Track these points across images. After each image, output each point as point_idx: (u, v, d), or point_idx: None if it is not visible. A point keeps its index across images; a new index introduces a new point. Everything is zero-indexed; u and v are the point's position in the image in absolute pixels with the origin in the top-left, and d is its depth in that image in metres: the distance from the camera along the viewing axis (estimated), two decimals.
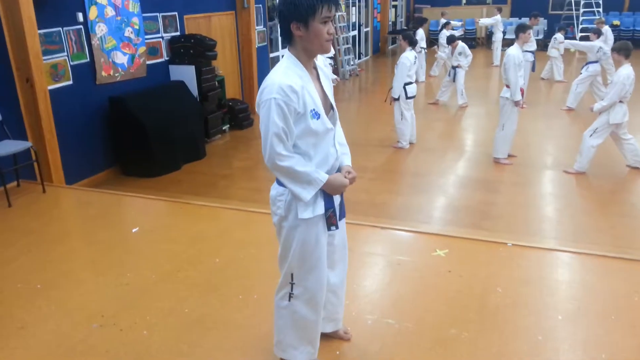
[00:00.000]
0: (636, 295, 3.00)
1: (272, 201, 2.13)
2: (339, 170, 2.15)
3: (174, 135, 6.19)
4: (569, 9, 17.22)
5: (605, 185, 5.56)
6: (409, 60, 6.64)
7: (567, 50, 11.88)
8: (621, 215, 4.78)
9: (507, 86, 5.94)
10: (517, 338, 2.66)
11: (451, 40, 9.47)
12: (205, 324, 2.82)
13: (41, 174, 4.92)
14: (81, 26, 5.57)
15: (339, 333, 2.63)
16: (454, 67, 9.28)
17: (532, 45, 9.57)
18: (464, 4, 19.89)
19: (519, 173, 5.91)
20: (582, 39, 13.99)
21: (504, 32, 14.71)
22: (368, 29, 16.49)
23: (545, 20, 17.37)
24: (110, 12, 5.94)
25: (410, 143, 7.05)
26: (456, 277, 3.23)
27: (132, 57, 6.34)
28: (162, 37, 6.93)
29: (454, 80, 9.31)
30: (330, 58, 10.16)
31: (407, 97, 6.75)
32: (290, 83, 1.90)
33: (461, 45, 9.20)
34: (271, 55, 9.93)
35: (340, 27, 12.81)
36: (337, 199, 2.17)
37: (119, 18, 6.08)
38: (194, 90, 7.01)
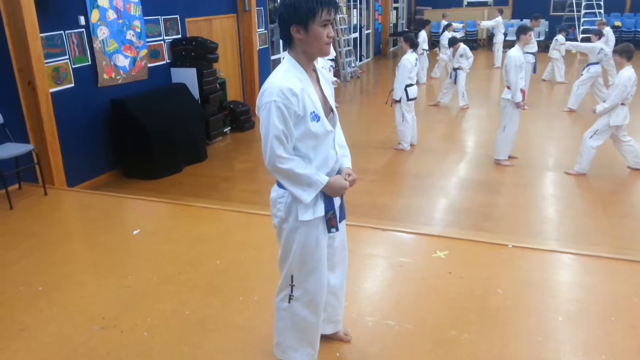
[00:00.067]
0: (636, 297, 3.00)
1: (273, 203, 2.14)
2: (339, 172, 2.16)
3: (175, 138, 6.21)
4: (570, 10, 17.23)
5: (606, 186, 5.56)
6: (410, 62, 6.64)
7: (568, 51, 11.88)
8: (621, 217, 4.78)
9: (508, 88, 5.95)
10: (517, 339, 2.66)
11: (453, 42, 9.47)
12: (207, 325, 2.83)
13: (43, 177, 4.93)
14: (83, 29, 5.59)
15: (339, 335, 2.63)
16: (455, 69, 9.29)
17: (533, 47, 9.55)
18: (465, 5, 19.90)
19: (520, 174, 5.91)
20: (584, 40, 14.02)
21: (505, 34, 14.72)
22: (369, 31, 16.50)
23: (547, 22, 17.35)
24: (112, 15, 5.96)
25: (411, 145, 7.06)
26: (457, 279, 3.23)
27: (133, 60, 6.36)
28: (163, 40, 6.95)
29: (455, 82, 9.31)
30: (332, 60, 10.18)
31: (409, 99, 6.76)
32: (290, 86, 1.91)
33: (462, 47, 9.20)
34: (272, 57, 9.96)
35: (341, 29, 12.81)
36: (337, 201, 2.17)
37: (120, 21, 6.10)
38: (195, 93, 7.03)
